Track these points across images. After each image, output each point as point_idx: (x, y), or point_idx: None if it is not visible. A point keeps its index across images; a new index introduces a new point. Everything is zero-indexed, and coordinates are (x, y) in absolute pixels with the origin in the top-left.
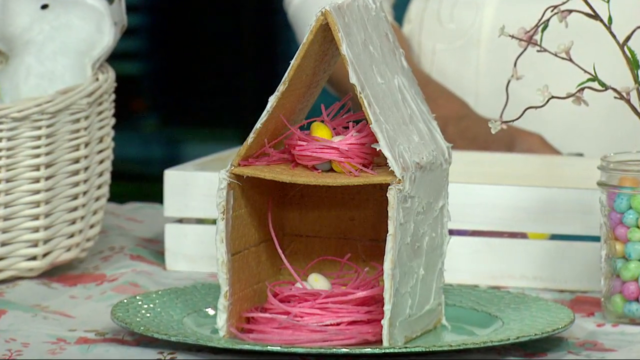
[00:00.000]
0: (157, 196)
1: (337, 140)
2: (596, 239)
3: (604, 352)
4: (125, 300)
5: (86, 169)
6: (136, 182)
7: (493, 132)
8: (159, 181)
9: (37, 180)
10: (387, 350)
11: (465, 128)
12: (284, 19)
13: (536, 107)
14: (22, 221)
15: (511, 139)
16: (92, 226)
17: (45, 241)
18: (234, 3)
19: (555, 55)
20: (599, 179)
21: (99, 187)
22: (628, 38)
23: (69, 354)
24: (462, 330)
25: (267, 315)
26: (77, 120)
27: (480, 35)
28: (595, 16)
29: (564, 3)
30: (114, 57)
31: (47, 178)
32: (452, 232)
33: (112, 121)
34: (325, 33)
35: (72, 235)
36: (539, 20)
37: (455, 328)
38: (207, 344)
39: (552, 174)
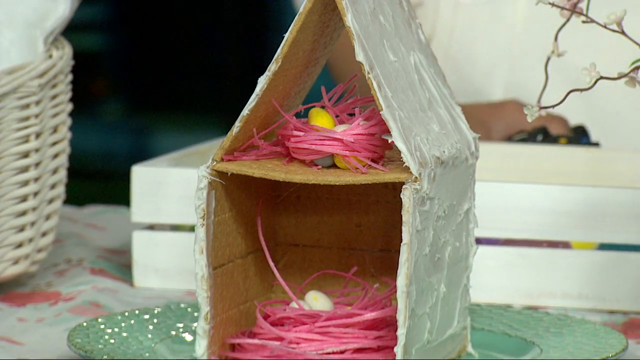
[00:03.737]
0: (123, 198)
1: (341, 130)
2: None
3: None
4: (84, 324)
5: (37, 164)
6: (98, 180)
7: (529, 120)
8: (125, 179)
9: None
10: None
11: None
12: None
13: (581, 90)
14: None
15: (483, 117)
16: (44, 234)
17: None
18: None
19: (605, 27)
20: None
21: (53, 186)
22: None
23: None
24: None
25: (256, 341)
26: (27, 106)
27: None
28: None
29: None
30: (71, 29)
31: None
32: (479, 241)
33: (69, 107)
34: (326, 1)
35: (20, 245)
36: None
37: (483, 356)
38: None
39: (601, 170)
